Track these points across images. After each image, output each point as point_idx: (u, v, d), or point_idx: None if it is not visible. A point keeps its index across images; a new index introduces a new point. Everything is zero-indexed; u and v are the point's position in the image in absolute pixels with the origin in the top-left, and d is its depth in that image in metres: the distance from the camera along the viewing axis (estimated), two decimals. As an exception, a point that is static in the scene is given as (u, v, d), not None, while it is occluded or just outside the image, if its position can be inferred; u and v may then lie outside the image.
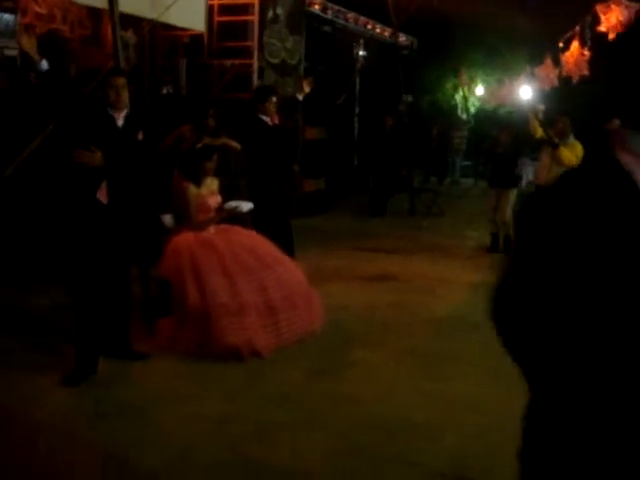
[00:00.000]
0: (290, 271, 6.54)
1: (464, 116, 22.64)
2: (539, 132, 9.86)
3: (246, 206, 6.98)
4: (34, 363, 5.52)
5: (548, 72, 11.91)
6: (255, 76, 11.35)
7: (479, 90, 22.73)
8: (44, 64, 5.17)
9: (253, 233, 6.73)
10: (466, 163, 22.34)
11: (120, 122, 5.47)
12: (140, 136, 5.57)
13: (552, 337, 1.56)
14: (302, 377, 5.27)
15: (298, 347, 6.00)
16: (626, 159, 1.55)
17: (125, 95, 5.46)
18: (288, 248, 7.31)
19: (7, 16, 8.20)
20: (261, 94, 8.07)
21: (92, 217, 5.37)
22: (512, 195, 10.52)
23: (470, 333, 6.79)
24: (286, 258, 6.68)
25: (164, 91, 11.10)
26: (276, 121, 7.97)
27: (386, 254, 9.07)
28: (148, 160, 5.77)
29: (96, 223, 5.36)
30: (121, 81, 5.46)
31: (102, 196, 5.32)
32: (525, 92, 10.86)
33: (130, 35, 8.69)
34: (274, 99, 7.90)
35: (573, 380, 1.56)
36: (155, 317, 6.23)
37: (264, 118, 7.84)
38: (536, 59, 14.78)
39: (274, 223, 7.58)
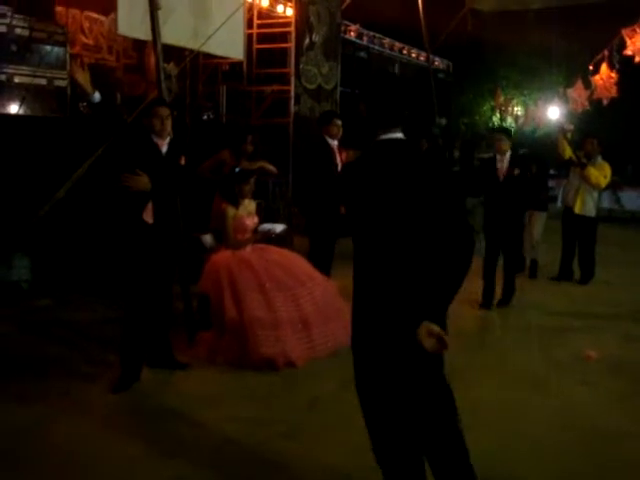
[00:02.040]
0: (323, 287, 6.85)
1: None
2: (568, 152, 10.08)
3: (279, 228, 7.31)
4: (81, 372, 5.90)
5: (579, 94, 12.15)
6: (292, 102, 11.73)
7: (517, 111, 22.89)
8: (97, 96, 5.55)
9: (287, 251, 7.08)
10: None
11: (164, 149, 5.77)
12: (182, 161, 5.89)
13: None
14: (334, 386, 5.55)
15: (331, 359, 6.27)
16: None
17: (169, 124, 5.77)
18: (326, 266, 7.67)
19: (57, 49, 8.67)
20: (325, 117, 8.46)
21: (138, 236, 5.67)
22: (541, 218, 10.59)
23: (494, 348, 7.07)
24: (319, 275, 6.99)
25: (205, 117, 11.52)
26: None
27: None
28: (189, 183, 6.07)
29: (142, 242, 5.67)
30: (165, 111, 5.76)
31: (148, 216, 5.66)
32: (554, 113, 11.06)
33: (172, 67, 9.13)
34: (338, 122, 8.22)
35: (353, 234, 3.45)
36: (196, 330, 6.62)
37: (329, 140, 8.17)
38: (570, 80, 15.01)
39: (324, 240, 7.95)
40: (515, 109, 22.67)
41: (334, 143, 8.20)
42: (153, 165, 5.67)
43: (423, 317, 3.17)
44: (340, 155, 8.17)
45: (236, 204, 6.76)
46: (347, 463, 4.41)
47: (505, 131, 9.45)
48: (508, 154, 8.60)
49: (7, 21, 7.85)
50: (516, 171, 8.54)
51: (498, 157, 8.64)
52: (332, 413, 4.96)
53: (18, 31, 8.20)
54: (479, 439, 4.87)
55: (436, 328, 3.17)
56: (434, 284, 3.20)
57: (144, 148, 5.74)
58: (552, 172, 12.00)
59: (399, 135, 3.38)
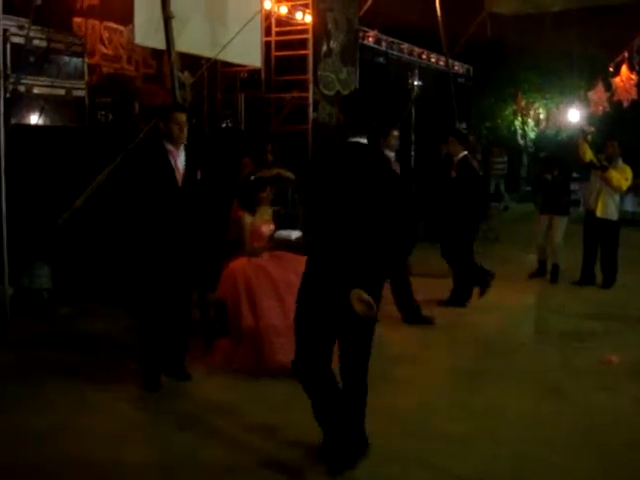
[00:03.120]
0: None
1: (522, 142, 22.70)
2: (588, 155, 10.00)
3: (295, 234, 7.31)
4: (100, 379, 5.92)
5: (600, 96, 12.05)
6: (310, 109, 11.74)
7: (539, 115, 22.76)
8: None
9: (304, 258, 7.05)
10: (526, 189, 22.41)
11: (180, 158, 5.72)
12: (198, 175, 5.86)
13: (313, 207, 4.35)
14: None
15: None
16: None
17: (186, 131, 5.73)
18: None
19: (75, 59, 8.75)
20: (382, 130, 7.94)
21: (154, 247, 5.67)
22: (562, 222, 10.49)
23: (515, 353, 7.04)
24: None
25: (223, 125, 11.56)
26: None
27: (437, 278, 9.30)
28: (206, 196, 6.04)
29: (158, 252, 5.67)
30: (184, 118, 5.70)
31: None
32: (574, 115, 10.98)
33: (187, 76, 9.18)
34: (395, 133, 7.97)
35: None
36: (213, 337, 6.63)
37: (388, 153, 7.70)
38: (591, 83, 14.91)
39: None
40: (537, 112, 22.55)
41: (392, 155, 7.90)
42: (168, 180, 5.66)
43: (358, 285, 4.03)
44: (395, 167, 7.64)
45: (253, 212, 6.76)
46: (364, 470, 4.39)
47: (456, 133, 9.28)
48: (458, 157, 8.51)
49: (25, 32, 7.93)
50: (453, 174, 8.41)
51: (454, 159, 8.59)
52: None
53: (36, 42, 8.28)
54: (497, 444, 4.87)
55: (365, 295, 4.01)
56: (373, 260, 4.15)
57: (158, 162, 5.69)
58: (575, 175, 11.90)
59: (363, 140, 4.34)
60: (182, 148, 5.79)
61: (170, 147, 5.71)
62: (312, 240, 4.43)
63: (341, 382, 4.46)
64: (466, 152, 8.68)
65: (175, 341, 5.96)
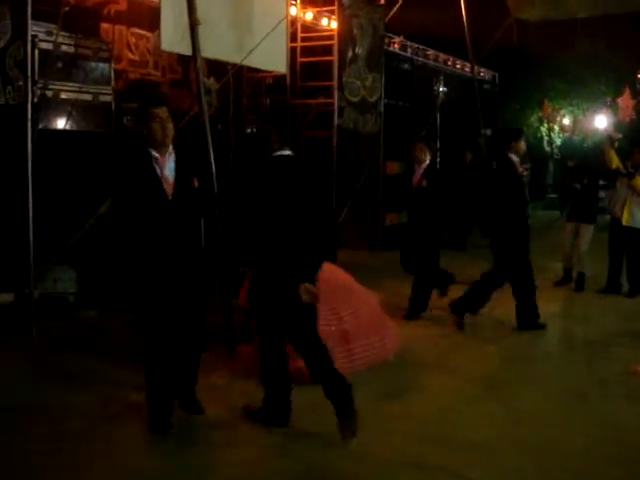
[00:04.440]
0: (364, 301, 6.83)
1: (549, 149, 22.58)
2: (615, 162, 9.92)
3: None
4: (124, 383, 5.95)
5: (627, 103, 11.97)
6: (335, 115, 11.76)
7: (565, 121, 22.62)
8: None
9: (329, 265, 7.04)
10: (552, 196, 22.27)
11: (167, 166, 4.92)
12: (195, 184, 5.02)
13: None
14: (371, 399, 5.53)
15: (370, 372, 6.27)
16: None
17: (171, 129, 4.92)
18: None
19: (102, 65, 8.82)
20: (514, 133, 8.30)
21: (149, 268, 4.96)
22: (589, 231, 10.39)
23: (539, 361, 6.99)
24: (361, 288, 6.98)
25: (248, 130, 11.59)
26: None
27: (463, 286, 9.25)
28: (206, 205, 5.40)
29: (154, 274, 4.95)
30: (164, 112, 4.90)
31: None
32: (601, 122, 10.88)
33: (212, 82, 9.21)
34: (523, 141, 8.08)
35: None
36: (236, 343, 6.64)
37: (513, 158, 7.97)
38: (618, 89, 14.80)
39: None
40: (563, 119, 22.42)
41: (517, 161, 8.00)
42: (153, 193, 4.88)
43: (303, 279, 4.88)
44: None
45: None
46: (384, 476, 4.39)
47: (425, 140, 9.04)
48: (425, 164, 8.38)
49: (53, 39, 8.00)
50: (423, 182, 8.27)
51: (416, 166, 8.44)
52: (367, 426, 4.92)
53: (64, 48, 8.33)
54: (520, 453, 4.83)
55: (311, 287, 4.90)
56: (310, 257, 4.93)
57: (140, 173, 4.92)
58: (602, 182, 11.82)
59: (288, 152, 4.96)
60: (171, 154, 4.97)
61: (155, 153, 4.90)
62: (252, 249, 5.00)
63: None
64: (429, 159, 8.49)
65: (185, 370, 5.29)
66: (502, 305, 8.51)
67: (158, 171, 4.90)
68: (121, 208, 5.08)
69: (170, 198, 4.91)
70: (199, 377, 5.48)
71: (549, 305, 9.14)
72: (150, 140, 4.90)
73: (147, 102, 5.05)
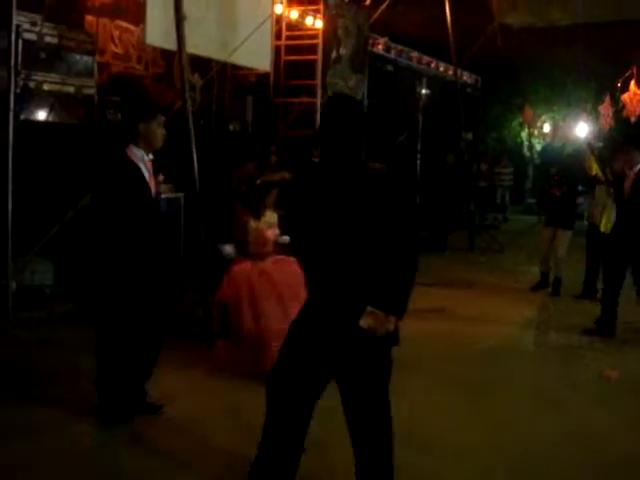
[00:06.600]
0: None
1: (528, 153, 22.70)
2: (594, 169, 9.99)
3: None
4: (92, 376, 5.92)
5: (607, 111, 12.08)
6: (318, 114, 11.77)
7: (545, 127, 22.74)
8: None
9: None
10: (530, 200, 22.42)
11: (148, 165, 5.07)
12: (161, 178, 5.28)
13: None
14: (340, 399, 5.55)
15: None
16: None
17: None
18: None
19: (85, 57, 8.79)
20: None
21: (133, 264, 5.06)
22: (566, 236, 10.44)
23: (514, 365, 7.04)
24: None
25: (231, 128, 11.58)
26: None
27: (442, 288, 9.33)
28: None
29: (136, 269, 5.07)
30: (163, 120, 5.12)
31: None
32: (582, 129, 10.97)
33: (196, 78, 9.20)
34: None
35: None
36: (214, 338, 6.65)
37: None
38: (599, 97, 14.92)
39: None
40: (543, 125, 22.52)
41: None
42: (141, 195, 5.02)
43: (382, 308, 3.61)
44: None
45: (258, 216, 6.77)
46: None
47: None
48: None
49: (37, 29, 7.96)
50: None
51: None
52: (337, 426, 4.93)
53: (48, 39, 8.30)
54: (492, 457, 4.87)
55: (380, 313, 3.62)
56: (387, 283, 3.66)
57: (130, 175, 4.99)
58: (581, 189, 11.93)
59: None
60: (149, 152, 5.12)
61: (141, 153, 5.03)
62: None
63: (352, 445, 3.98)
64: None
65: (143, 362, 5.30)
66: (477, 311, 8.58)
67: (143, 169, 5.02)
68: (106, 204, 5.09)
69: (153, 196, 5.11)
70: (176, 370, 5.45)
71: (525, 309, 9.24)
72: (144, 141, 5.02)
73: (155, 106, 5.43)
